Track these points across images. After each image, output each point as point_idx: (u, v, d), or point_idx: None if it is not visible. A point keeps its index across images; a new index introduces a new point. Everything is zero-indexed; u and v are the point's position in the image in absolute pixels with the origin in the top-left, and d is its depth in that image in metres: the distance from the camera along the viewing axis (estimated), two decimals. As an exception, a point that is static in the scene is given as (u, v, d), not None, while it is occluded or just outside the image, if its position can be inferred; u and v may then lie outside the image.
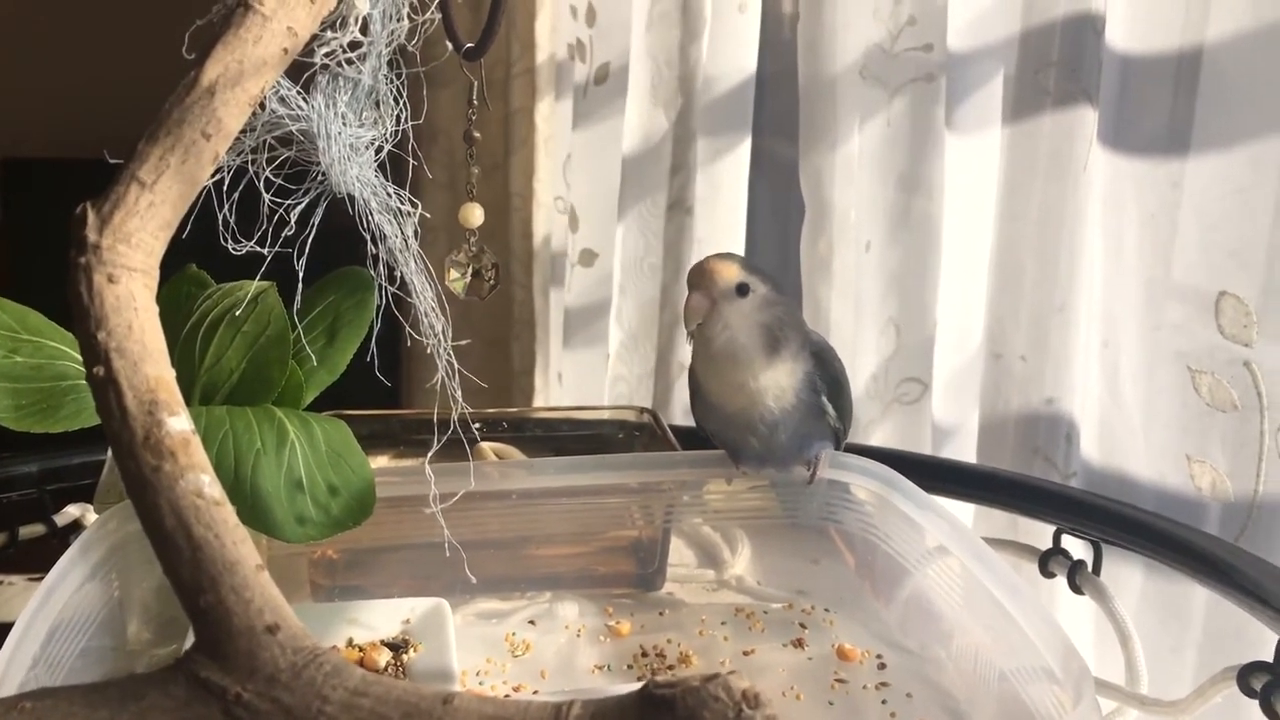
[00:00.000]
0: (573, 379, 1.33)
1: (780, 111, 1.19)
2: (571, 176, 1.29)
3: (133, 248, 0.38)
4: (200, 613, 0.34)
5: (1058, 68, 0.95)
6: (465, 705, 0.32)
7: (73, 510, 0.79)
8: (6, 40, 1.95)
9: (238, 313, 0.60)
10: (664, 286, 1.25)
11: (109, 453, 0.71)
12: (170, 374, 0.37)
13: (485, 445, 0.80)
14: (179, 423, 0.36)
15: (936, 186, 1.03)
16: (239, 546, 0.35)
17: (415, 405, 1.43)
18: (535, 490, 0.70)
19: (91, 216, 0.38)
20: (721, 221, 1.19)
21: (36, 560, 0.71)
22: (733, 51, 1.15)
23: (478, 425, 0.62)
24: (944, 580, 0.65)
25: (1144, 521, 0.72)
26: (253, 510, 0.55)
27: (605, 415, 0.88)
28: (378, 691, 0.33)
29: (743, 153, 1.17)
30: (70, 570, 0.57)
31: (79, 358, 0.59)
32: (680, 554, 0.78)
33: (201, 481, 0.36)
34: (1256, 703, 0.58)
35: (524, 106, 1.32)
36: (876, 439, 1.11)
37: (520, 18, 1.28)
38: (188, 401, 0.39)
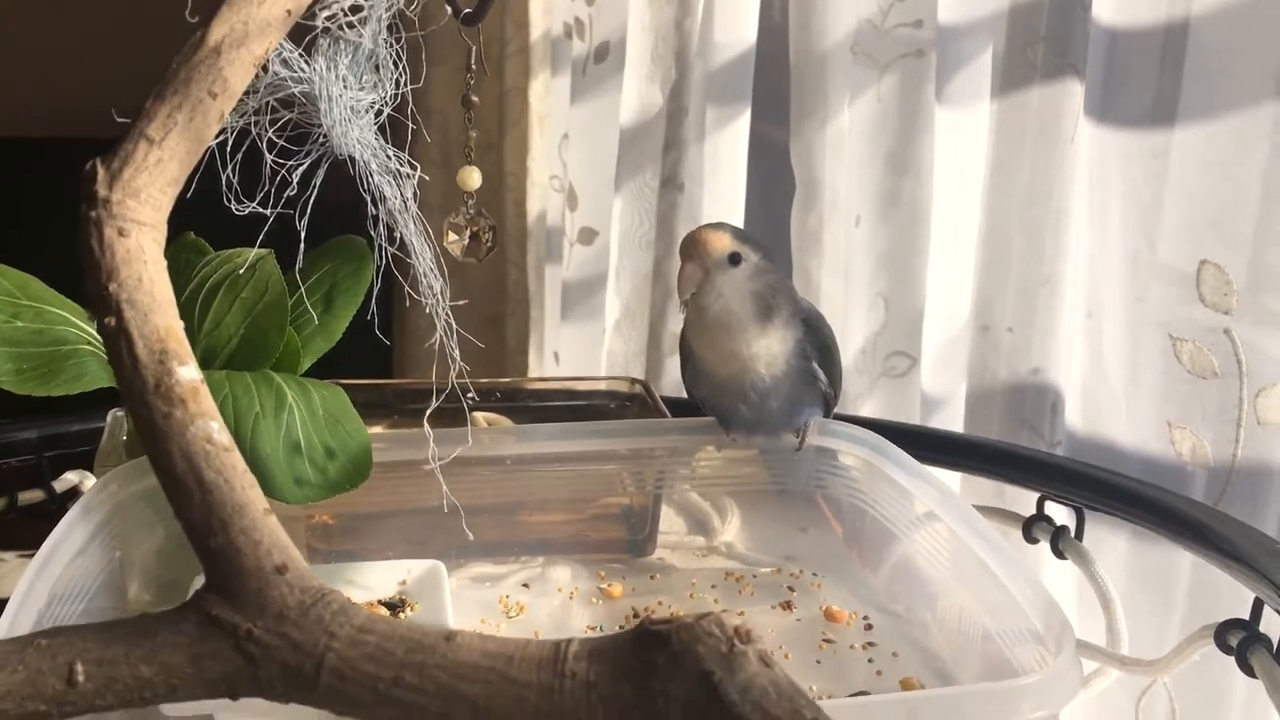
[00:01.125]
0: (569, 357, 1.34)
1: (771, 88, 1.19)
2: (570, 155, 1.29)
3: (142, 203, 0.39)
4: (211, 554, 0.35)
5: (1045, 42, 0.96)
6: (467, 642, 0.33)
7: (71, 477, 0.79)
8: (6, 20, 1.94)
9: (238, 276, 0.61)
10: (656, 262, 1.25)
11: (108, 418, 0.72)
12: (179, 324, 0.38)
13: (477, 414, 0.81)
14: (188, 371, 0.37)
15: (926, 162, 1.04)
16: (248, 490, 0.36)
17: (408, 373, 1.44)
18: (529, 456, 0.71)
19: (101, 172, 0.39)
20: (723, 196, 1.18)
21: (30, 537, 0.72)
22: (733, 26, 1.14)
23: (471, 395, 0.63)
24: (930, 545, 0.65)
25: (1124, 487, 0.73)
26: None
27: (597, 386, 0.89)
28: (382, 629, 0.34)
29: (742, 127, 1.17)
30: (71, 533, 0.58)
31: (79, 323, 0.60)
32: (670, 522, 0.79)
33: (211, 428, 0.37)
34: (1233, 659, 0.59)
35: (518, 85, 1.32)
36: (865, 413, 1.11)
37: (515, -4, 1.28)
38: (188, 364, 0.40)
